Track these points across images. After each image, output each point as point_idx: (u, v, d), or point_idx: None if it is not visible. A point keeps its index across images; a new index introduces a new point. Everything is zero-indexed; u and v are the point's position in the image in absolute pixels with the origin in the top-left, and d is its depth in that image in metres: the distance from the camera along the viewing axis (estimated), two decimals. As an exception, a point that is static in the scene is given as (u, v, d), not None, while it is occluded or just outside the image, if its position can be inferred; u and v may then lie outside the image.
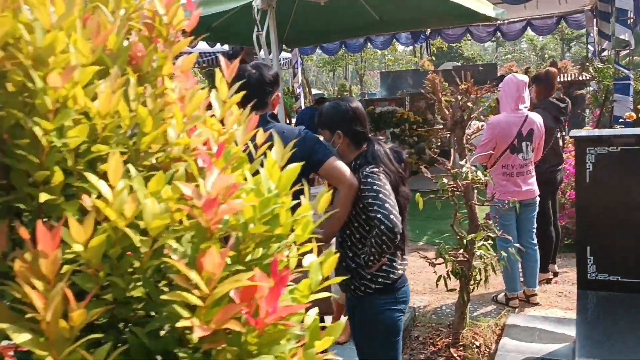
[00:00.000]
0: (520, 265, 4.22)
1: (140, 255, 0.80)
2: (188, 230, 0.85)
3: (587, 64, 9.36)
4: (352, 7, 7.62)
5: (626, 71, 7.29)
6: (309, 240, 0.99)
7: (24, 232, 0.72)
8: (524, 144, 4.05)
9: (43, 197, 0.74)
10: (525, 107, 4.08)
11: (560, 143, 4.57)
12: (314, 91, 22.40)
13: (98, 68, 0.78)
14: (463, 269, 3.46)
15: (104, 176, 0.81)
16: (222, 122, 1.02)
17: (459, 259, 3.42)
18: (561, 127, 4.51)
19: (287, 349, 0.79)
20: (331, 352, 0.95)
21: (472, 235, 3.44)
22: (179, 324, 0.71)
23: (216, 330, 0.72)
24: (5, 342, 0.90)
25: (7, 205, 0.82)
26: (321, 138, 2.41)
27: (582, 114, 9.52)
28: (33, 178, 0.77)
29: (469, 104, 3.45)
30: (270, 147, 0.99)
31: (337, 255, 0.95)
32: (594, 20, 11.36)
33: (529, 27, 13.33)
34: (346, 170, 2.27)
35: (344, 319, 1.00)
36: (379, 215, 2.17)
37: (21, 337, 0.65)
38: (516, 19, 12.80)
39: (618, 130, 4.05)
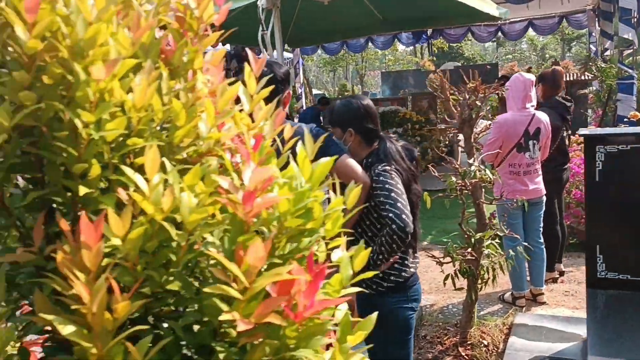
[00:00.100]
0: (526, 265, 4.22)
1: (176, 249, 0.80)
2: (221, 224, 0.85)
3: (590, 63, 9.34)
4: (356, 6, 7.63)
5: (630, 70, 7.30)
6: (338, 235, 0.99)
7: (64, 225, 0.72)
8: (531, 142, 4.05)
9: (82, 190, 0.73)
10: (532, 106, 4.08)
11: (566, 142, 4.57)
12: (315, 91, 22.42)
13: (136, 61, 0.78)
14: (471, 267, 3.45)
15: (137, 170, 0.81)
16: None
17: (467, 257, 3.42)
18: (567, 126, 4.52)
19: (324, 343, 0.79)
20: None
21: (480, 234, 3.44)
22: (222, 317, 0.70)
23: (256, 324, 0.72)
24: (28, 337, 0.90)
25: (42, 199, 0.81)
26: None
27: (585, 113, 9.52)
28: (70, 171, 0.76)
29: (477, 103, 3.44)
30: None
31: (369, 250, 0.95)
32: (596, 19, 11.37)
33: (530, 27, 13.34)
34: (358, 168, 2.27)
35: (374, 314, 1.00)
36: (390, 215, 2.16)
37: (67, 329, 0.64)
38: (518, 19, 12.82)
39: (629, 129, 4.05)
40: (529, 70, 11.41)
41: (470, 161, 3.44)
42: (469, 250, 3.45)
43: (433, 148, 9.06)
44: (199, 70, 0.92)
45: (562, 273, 4.75)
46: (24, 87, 0.74)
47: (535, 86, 4.22)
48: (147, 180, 0.79)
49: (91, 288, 0.66)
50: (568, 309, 4.15)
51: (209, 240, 0.80)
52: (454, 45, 25.34)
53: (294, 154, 0.93)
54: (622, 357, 2.54)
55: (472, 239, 3.45)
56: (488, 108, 3.56)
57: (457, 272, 3.45)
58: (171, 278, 0.82)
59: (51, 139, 0.75)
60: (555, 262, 4.64)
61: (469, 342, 3.64)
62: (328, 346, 0.88)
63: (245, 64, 1.01)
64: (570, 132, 4.54)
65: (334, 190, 0.96)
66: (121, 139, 0.82)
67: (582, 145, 6.28)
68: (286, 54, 11.62)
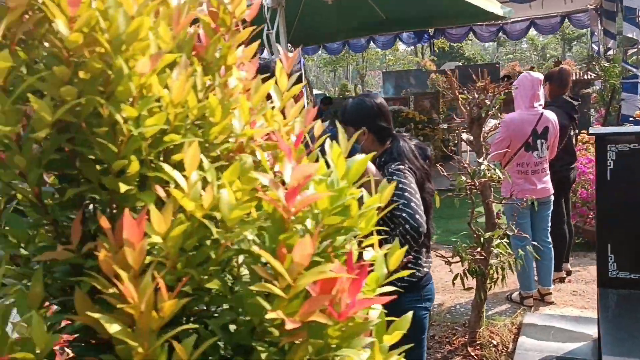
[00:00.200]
0: (534, 264, 4.21)
1: (215, 247, 0.78)
2: (257, 221, 0.83)
3: (594, 63, 9.33)
4: (359, 6, 7.61)
5: (634, 69, 7.29)
6: (371, 233, 0.98)
7: (104, 222, 0.71)
8: (539, 141, 4.03)
9: (123, 187, 0.72)
10: (540, 105, 4.07)
11: (574, 141, 4.56)
12: (315, 92, 22.39)
13: (176, 56, 0.76)
14: (480, 267, 3.44)
15: (173, 166, 0.80)
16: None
17: (476, 257, 3.40)
18: (574, 125, 4.50)
19: (365, 342, 0.77)
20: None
21: (489, 233, 3.43)
22: (269, 316, 0.69)
23: (302, 323, 0.71)
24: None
25: (76, 196, 0.80)
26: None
27: (588, 113, 9.51)
28: (107, 168, 0.75)
29: (487, 102, 3.43)
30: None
31: (404, 249, 0.94)
32: (599, 19, 11.36)
33: (532, 27, 13.34)
34: (372, 167, 2.26)
35: (409, 314, 0.99)
36: (403, 214, 2.15)
37: (113, 327, 0.63)
38: (520, 19, 12.81)
39: None
40: (532, 70, 11.40)
41: (480, 160, 3.43)
42: (479, 249, 3.44)
43: (438, 147, 9.04)
44: (234, 66, 0.91)
45: (569, 273, 4.74)
46: (63, 82, 0.72)
47: (542, 85, 4.21)
48: (185, 177, 0.78)
49: (137, 286, 0.65)
50: (576, 309, 4.14)
51: (249, 237, 0.79)
52: (454, 45, 25.35)
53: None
54: (636, 357, 2.53)
55: (482, 239, 3.44)
56: (497, 107, 3.53)
57: (466, 271, 3.44)
58: (209, 276, 0.80)
59: (90, 134, 0.73)
60: (562, 262, 4.63)
61: (478, 342, 3.63)
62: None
63: (277, 60, 1.00)
64: (577, 131, 4.52)
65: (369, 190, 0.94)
66: (157, 135, 0.81)
67: (587, 144, 6.29)
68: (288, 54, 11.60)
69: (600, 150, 3.00)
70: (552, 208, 4.21)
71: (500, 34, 13.98)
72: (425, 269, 2.40)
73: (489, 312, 4.18)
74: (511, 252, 3.48)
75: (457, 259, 3.40)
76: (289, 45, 9.35)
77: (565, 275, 4.68)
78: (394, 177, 2.23)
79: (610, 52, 10.30)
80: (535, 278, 4.30)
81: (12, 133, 0.68)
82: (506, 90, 3.57)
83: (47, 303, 0.90)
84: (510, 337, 3.69)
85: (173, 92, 0.79)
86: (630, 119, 6.08)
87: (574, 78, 10.36)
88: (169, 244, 0.73)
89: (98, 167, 0.81)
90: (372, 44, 14.97)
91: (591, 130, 3.16)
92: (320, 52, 16.84)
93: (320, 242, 0.90)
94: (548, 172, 4.14)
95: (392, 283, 2.52)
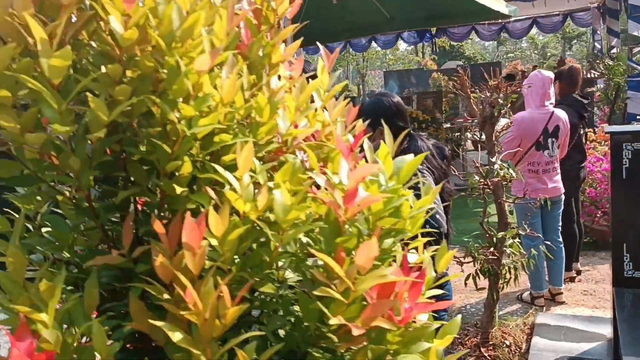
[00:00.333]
0: (545, 264, 4.18)
1: (269, 250, 0.76)
2: (309, 223, 0.81)
3: (598, 61, 9.31)
4: (364, 5, 7.59)
5: (639, 68, 7.26)
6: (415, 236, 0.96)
7: (158, 227, 0.68)
8: (549, 140, 4.01)
9: (178, 189, 0.70)
10: (551, 104, 4.05)
11: (583, 140, 4.53)
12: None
13: (229, 53, 0.74)
14: (493, 267, 3.42)
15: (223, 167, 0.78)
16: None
17: (489, 257, 3.38)
18: (584, 124, 4.48)
19: (426, 347, 0.75)
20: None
21: (502, 233, 3.40)
22: (332, 322, 0.67)
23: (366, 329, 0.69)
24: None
25: (124, 199, 0.78)
26: None
27: (592, 111, 9.48)
28: (159, 169, 0.73)
29: (500, 101, 3.40)
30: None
31: (453, 252, 0.92)
32: (601, 17, 11.34)
33: (534, 25, 13.32)
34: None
35: (458, 317, 0.97)
36: (423, 214, 2.13)
37: (176, 336, 0.61)
38: (522, 17, 12.78)
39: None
40: (534, 69, 11.38)
41: (493, 159, 3.41)
42: (491, 249, 3.42)
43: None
44: (280, 65, 0.88)
45: (579, 272, 4.72)
46: (115, 82, 0.70)
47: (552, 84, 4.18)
48: (237, 178, 0.76)
49: (199, 293, 0.62)
50: (588, 309, 4.12)
51: (303, 240, 0.77)
52: (455, 44, 25.31)
53: None
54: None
55: (494, 238, 3.42)
56: (509, 106, 3.51)
57: (479, 271, 3.42)
58: (261, 280, 0.78)
59: (144, 135, 0.71)
60: (572, 261, 4.60)
61: (490, 343, 3.60)
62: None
63: (319, 59, 0.97)
64: (587, 129, 4.50)
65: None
66: (207, 135, 0.79)
67: (594, 142, 6.26)
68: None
69: (615, 149, 2.97)
70: (562, 207, 4.19)
71: (503, 32, 13.96)
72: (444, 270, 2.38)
73: (500, 312, 4.15)
74: (523, 252, 3.45)
75: (469, 259, 3.38)
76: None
77: (575, 275, 4.66)
78: (413, 177, 2.21)
79: (614, 50, 10.27)
80: (546, 278, 4.28)
81: (67, 134, 0.66)
82: (518, 89, 3.55)
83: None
84: (523, 338, 3.66)
85: (224, 92, 0.77)
86: (638, 117, 6.05)
87: (578, 77, 10.31)
88: (225, 248, 0.70)
89: (146, 168, 0.79)
90: (373, 43, 14.93)
91: (606, 129, 3.14)
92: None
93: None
94: (559, 171, 4.12)
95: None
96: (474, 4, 6.07)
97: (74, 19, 0.76)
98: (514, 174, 3.31)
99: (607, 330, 3.47)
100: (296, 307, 0.84)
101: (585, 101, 4.45)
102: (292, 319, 0.82)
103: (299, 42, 0.96)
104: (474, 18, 8.62)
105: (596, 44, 12.62)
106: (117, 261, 0.72)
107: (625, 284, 3.07)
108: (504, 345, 3.57)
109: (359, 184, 0.75)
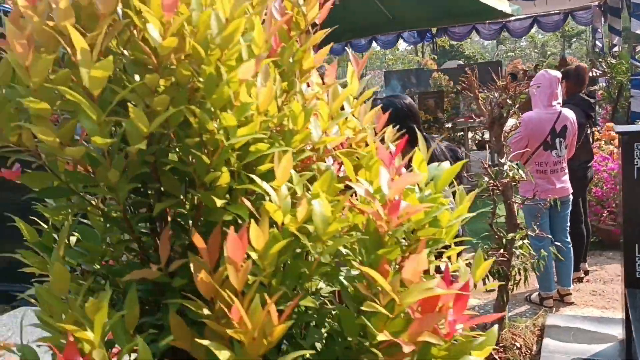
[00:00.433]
0: (553, 264, 4.16)
1: (308, 263, 0.74)
2: (349, 235, 0.79)
3: (600, 59, 9.29)
4: (365, 5, 7.57)
5: (643, 66, 7.25)
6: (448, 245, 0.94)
7: (198, 241, 0.66)
8: (557, 140, 3.99)
9: (218, 202, 0.68)
10: (558, 104, 4.03)
11: (590, 139, 4.51)
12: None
13: (270, 60, 0.72)
14: (503, 268, 3.40)
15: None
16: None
17: (499, 259, 3.36)
18: (591, 123, 4.46)
19: (472, 361, 0.73)
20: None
21: (511, 234, 3.38)
22: (380, 338, 0.65)
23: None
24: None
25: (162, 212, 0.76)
26: None
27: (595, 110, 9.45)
28: (200, 180, 0.71)
29: (508, 101, 3.38)
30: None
31: (491, 261, 0.90)
32: (602, 15, 11.32)
33: (535, 24, 13.31)
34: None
35: (495, 327, 0.94)
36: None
37: (223, 354, 0.59)
38: (523, 16, 12.76)
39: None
40: (536, 68, 11.36)
41: (502, 160, 3.39)
42: (501, 251, 3.40)
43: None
44: (313, 71, 0.86)
45: (587, 272, 4.70)
46: (152, 92, 0.68)
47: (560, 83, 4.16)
48: (274, 189, 0.74)
49: (246, 310, 0.60)
50: (597, 309, 4.10)
51: (343, 252, 0.75)
52: (454, 43, 25.30)
53: None
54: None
55: (504, 240, 3.40)
56: (517, 106, 3.49)
57: (488, 273, 3.40)
58: (300, 293, 0.76)
59: (182, 147, 0.69)
60: (580, 262, 4.58)
61: (501, 345, 3.58)
62: None
63: (349, 64, 0.96)
64: (593, 129, 4.48)
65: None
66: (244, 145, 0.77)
67: (599, 142, 6.24)
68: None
69: (627, 149, 2.95)
70: (571, 207, 4.17)
71: (503, 31, 13.95)
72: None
73: (509, 313, 4.13)
74: (533, 253, 3.44)
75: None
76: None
77: (583, 275, 4.64)
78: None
79: (616, 49, 10.25)
80: (554, 278, 4.26)
81: (105, 146, 0.64)
82: (526, 89, 3.53)
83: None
84: (533, 339, 3.64)
85: (260, 100, 0.75)
86: (643, 115, 6.03)
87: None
88: (266, 262, 0.68)
89: (178, 179, 0.77)
90: (374, 43, 14.90)
91: (617, 129, 3.12)
92: (321, 52, 16.74)
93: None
94: (567, 171, 4.10)
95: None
96: (477, 3, 6.05)
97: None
98: (523, 175, 3.29)
99: (617, 331, 3.45)
100: (329, 319, 0.82)
101: (592, 100, 4.43)
102: (328, 333, 0.80)
103: (328, 47, 0.94)
104: (476, 17, 8.60)
105: (597, 42, 12.60)
106: (154, 276, 0.70)
107: (638, 285, 3.05)
108: (515, 347, 3.55)
109: (400, 194, 0.73)
